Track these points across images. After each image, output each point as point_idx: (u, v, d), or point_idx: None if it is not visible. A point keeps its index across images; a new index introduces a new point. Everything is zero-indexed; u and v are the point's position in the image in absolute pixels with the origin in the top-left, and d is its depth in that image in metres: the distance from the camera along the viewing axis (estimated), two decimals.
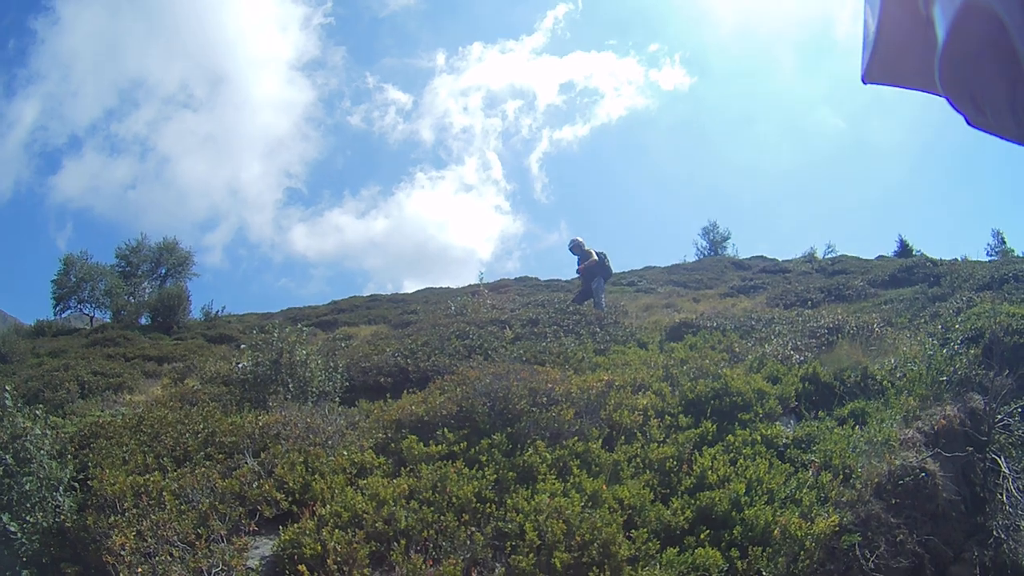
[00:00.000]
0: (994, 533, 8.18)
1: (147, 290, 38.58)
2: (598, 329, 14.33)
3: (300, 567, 5.31)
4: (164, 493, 6.46)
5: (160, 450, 7.75)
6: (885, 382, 10.07)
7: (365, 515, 6.03)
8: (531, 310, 17.30)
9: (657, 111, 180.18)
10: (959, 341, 11.63)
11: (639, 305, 21.91)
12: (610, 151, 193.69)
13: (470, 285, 31.92)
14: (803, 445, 8.29)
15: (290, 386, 10.06)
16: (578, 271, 19.18)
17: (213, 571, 5.45)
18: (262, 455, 7.37)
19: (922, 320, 14.67)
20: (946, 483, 8.05)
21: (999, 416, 9.39)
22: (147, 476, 6.88)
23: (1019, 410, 9.53)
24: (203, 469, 7.04)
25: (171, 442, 7.90)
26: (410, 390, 9.75)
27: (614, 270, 20.91)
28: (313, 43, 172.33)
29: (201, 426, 8.27)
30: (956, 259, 28.61)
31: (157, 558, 5.53)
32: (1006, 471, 8.78)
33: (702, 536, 6.45)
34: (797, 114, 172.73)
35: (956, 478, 8.27)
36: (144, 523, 5.97)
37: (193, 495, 6.52)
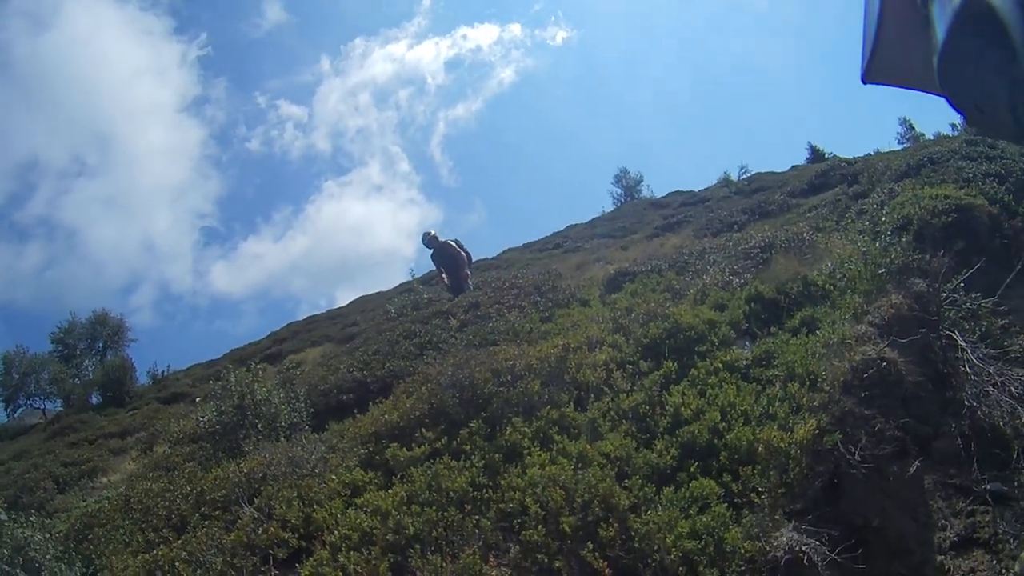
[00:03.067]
0: (965, 403, 8.62)
1: (90, 368, 38.17)
2: (539, 298, 14.51)
3: None
4: (176, 563, 6.51)
5: (156, 523, 7.78)
6: (827, 286, 10.47)
7: (374, 531, 6.16)
8: (470, 294, 17.43)
9: (549, 69, 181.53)
10: (889, 232, 12.09)
11: (570, 265, 22.06)
12: (509, 119, 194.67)
13: (401, 284, 31.96)
14: (764, 363, 8.58)
15: (259, 426, 10.14)
16: (457, 280, 19.22)
17: None
18: (256, 500, 7.45)
19: (849, 220, 15.17)
20: (908, 367, 8.40)
21: (944, 294, 9.88)
22: (154, 552, 6.90)
23: (961, 285, 10.05)
24: (204, 530, 7.08)
25: (164, 512, 7.94)
26: (373, 401, 9.84)
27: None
28: (194, 80, 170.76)
29: (188, 488, 8.30)
30: (869, 154, 29.34)
31: None
32: (962, 344, 9.23)
33: (692, 470, 6.72)
34: (684, 44, 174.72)
35: (917, 360, 8.61)
36: None
37: (204, 558, 6.54)
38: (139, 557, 6.91)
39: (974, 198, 13.34)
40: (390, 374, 11.61)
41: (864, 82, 1.55)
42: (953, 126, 27.84)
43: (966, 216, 12.56)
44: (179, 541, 7.14)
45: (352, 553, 5.89)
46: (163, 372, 31.23)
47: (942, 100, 1.28)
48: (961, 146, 18.89)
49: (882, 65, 1.47)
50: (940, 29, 1.13)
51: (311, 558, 6.07)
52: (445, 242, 19.33)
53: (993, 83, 1.13)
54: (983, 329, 9.61)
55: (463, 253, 19.32)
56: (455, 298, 17.77)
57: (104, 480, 13.94)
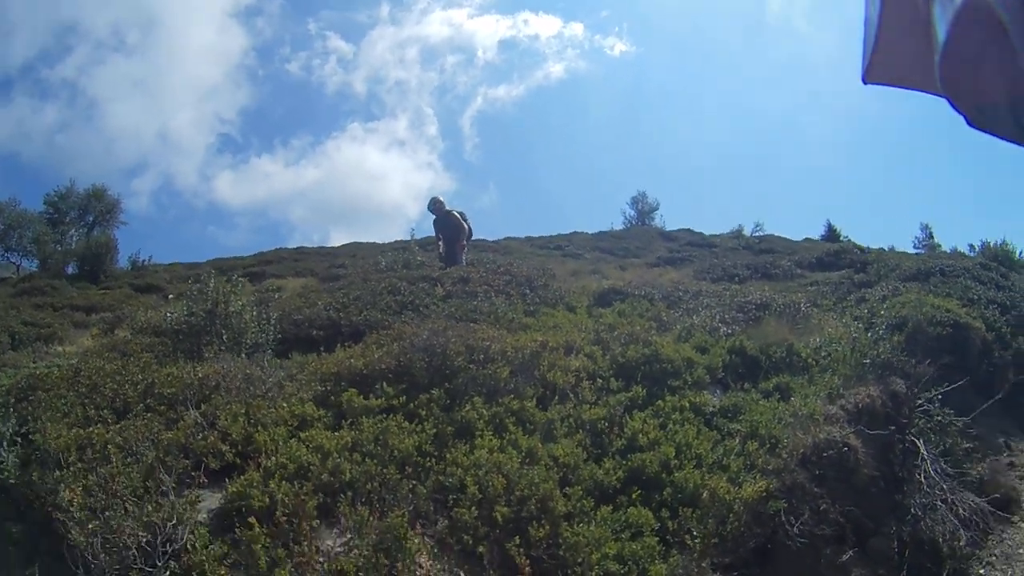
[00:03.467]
0: (912, 511, 8.68)
1: (74, 238, 38.03)
2: (528, 291, 14.53)
3: (250, 519, 5.32)
4: (109, 446, 6.42)
5: (100, 402, 7.66)
6: (810, 360, 10.49)
7: (311, 467, 6.13)
8: (462, 268, 17.37)
9: (599, 77, 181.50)
10: (884, 327, 12.17)
11: (567, 269, 22.11)
12: (545, 113, 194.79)
13: (398, 241, 31.87)
14: (729, 414, 8.64)
15: (224, 337, 10.09)
16: (452, 251, 19.13)
17: (167, 525, 5.39)
18: (203, 407, 7.40)
19: (848, 304, 15.17)
20: (867, 459, 8.50)
21: (919, 401, 9.93)
22: (90, 429, 6.83)
23: (938, 397, 10.08)
24: (145, 421, 7.03)
25: (110, 394, 7.83)
26: (343, 344, 9.82)
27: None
28: None
29: (139, 377, 8.22)
30: (883, 248, 29.50)
31: (108, 513, 5.48)
32: (924, 453, 9.32)
33: (634, 496, 6.76)
34: (737, 90, 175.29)
35: (877, 456, 8.72)
36: (91, 477, 5.93)
37: (138, 448, 6.50)
38: (74, 431, 6.81)
39: (973, 319, 13.44)
40: (365, 323, 11.58)
41: (864, 82, 1.57)
42: (972, 246, 27.86)
43: (962, 334, 12.64)
44: (117, 425, 7.07)
45: (284, 483, 5.86)
46: (144, 261, 31.09)
47: (944, 103, 1.28)
48: (975, 267, 18.99)
49: (882, 65, 1.50)
50: (940, 29, 1.15)
51: (242, 477, 6.04)
52: (450, 211, 19.25)
53: (993, 83, 1.15)
54: (947, 445, 9.72)
55: (465, 225, 19.22)
56: (447, 268, 17.76)
57: (59, 349, 13.81)
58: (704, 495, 6.78)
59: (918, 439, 9.47)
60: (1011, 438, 12.52)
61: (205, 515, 5.86)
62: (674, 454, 7.34)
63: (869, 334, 11.82)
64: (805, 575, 7.12)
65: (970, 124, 1.24)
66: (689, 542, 6.34)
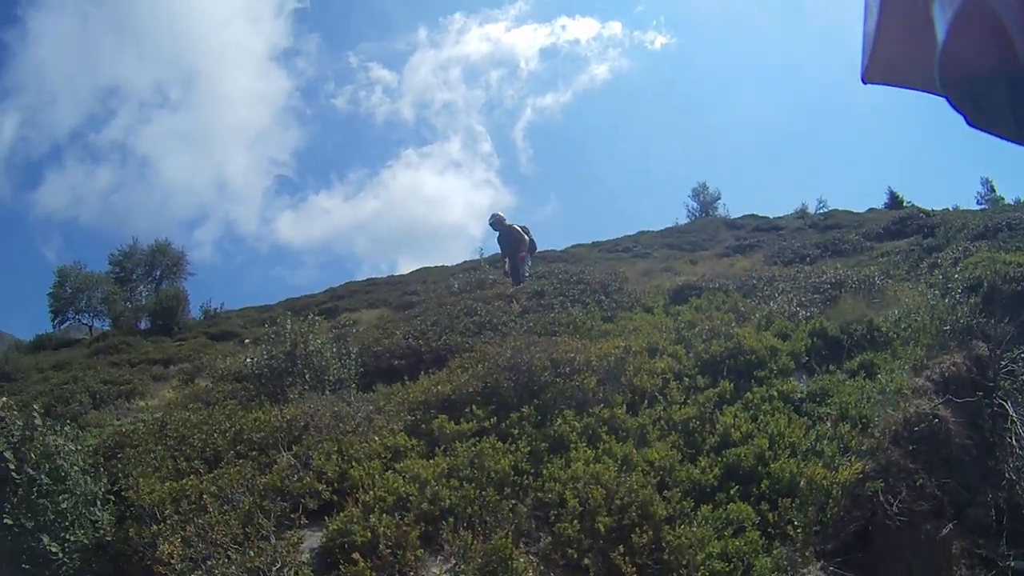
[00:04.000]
0: (1006, 475, 8.68)
1: (144, 294, 39.41)
2: (603, 297, 14.74)
3: (354, 555, 5.55)
4: (204, 496, 6.68)
5: (190, 453, 7.98)
6: (891, 334, 10.55)
7: (410, 497, 6.34)
8: (535, 282, 17.62)
9: (643, 73, 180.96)
10: (959, 291, 12.13)
11: (637, 270, 22.05)
12: (595, 116, 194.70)
13: (466, 262, 32.13)
14: (818, 399, 8.72)
15: (307, 376, 10.32)
16: (515, 264, 19.20)
17: (271, 569, 5.63)
18: (295, 448, 7.64)
19: (921, 271, 15.14)
20: (958, 429, 8.43)
21: (1003, 362, 9.93)
22: (183, 481, 7.12)
23: (1022, 356, 10.13)
24: (237, 468, 7.28)
25: (199, 444, 8.14)
26: (425, 371, 10.01)
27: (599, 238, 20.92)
28: (287, 31, 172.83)
29: (227, 425, 8.51)
30: (947, 209, 29.22)
31: (210, 562, 5.71)
32: (1013, 416, 9.28)
33: (732, 492, 6.87)
34: (782, 68, 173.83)
35: (967, 423, 8.63)
36: (188, 528, 6.15)
37: (233, 495, 6.74)
38: (167, 484, 7.10)
39: None
40: (445, 347, 11.79)
41: (864, 82, 1.57)
42: None
43: None
44: (210, 475, 7.34)
45: (384, 516, 6.02)
46: (216, 309, 32.17)
47: (944, 102, 1.28)
48: None
49: (882, 65, 1.49)
50: (940, 29, 1.15)
51: (342, 514, 6.23)
52: (511, 226, 19.42)
53: (993, 83, 1.16)
54: None
55: (527, 238, 19.33)
56: (515, 284, 18.01)
57: (141, 403, 14.28)
58: (801, 483, 6.89)
59: (1005, 402, 9.44)
60: None
61: (308, 555, 6.06)
62: (768, 445, 7.45)
63: (946, 300, 11.76)
64: (906, 553, 7.16)
65: (969, 123, 1.26)
66: (791, 532, 6.47)
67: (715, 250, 27.43)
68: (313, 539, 6.34)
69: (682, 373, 9.26)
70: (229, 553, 5.87)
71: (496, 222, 19.59)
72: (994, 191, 40.43)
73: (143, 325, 31.27)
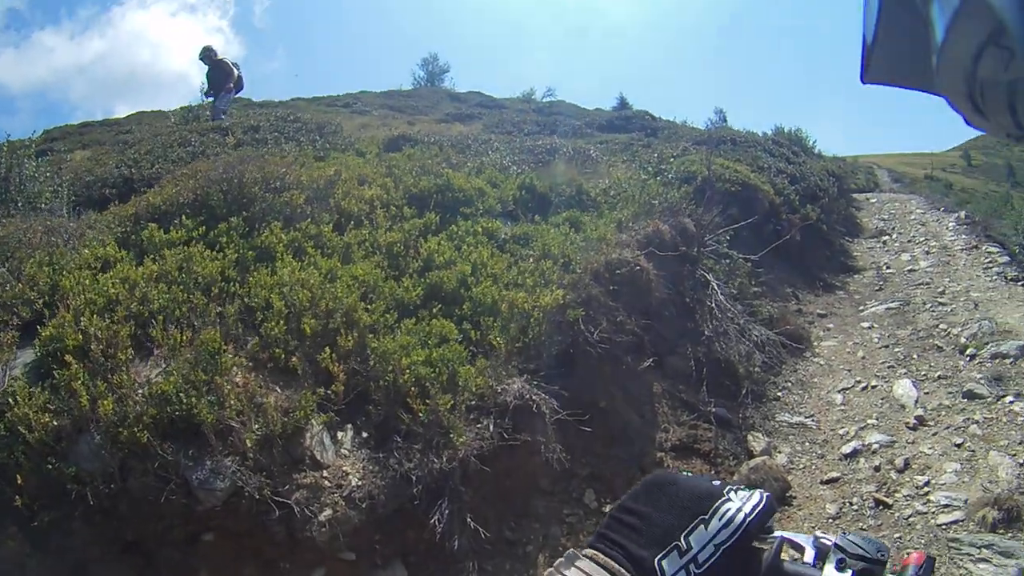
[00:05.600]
0: (704, 334, 9.86)
1: None
2: (318, 137, 15.05)
3: (67, 357, 5.61)
4: None
5: None
6: (599, 199, 11.57)
7: (120, 299, 6.43)
8: (250, 117, 17.73)
9: None
10: (673, 174, 13.43)
11: (355, 124, 22.22)
12: None
13: (186, 107, 31.42)
14: (521, 242, 9.48)
15: (19, 203, 10.08)
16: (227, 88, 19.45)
17: None
18: (7, 264, 7.36)
19: (637, 152, 16.43)
20: (659, 283, 9.60)
21: (707, 240, 11.16)
22: None
23: (727, 238, 11.44)
24: None
25: None
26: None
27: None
28: None
29: None
30: (673, 120, 31.21)
31: None
32: (715, 285, 10.53)
33: (435, 311, 7.48)
34: None
35: (668, 284, 9.87)
36: None
37: None
38: None
39: (763, 183, 14.92)
40: (156, 175, 11.64)
41: (863, 82, 1.56)
42: (765, 133, 29.29)
43: (750, 193, 14.13)
44: None
45: (95, 317, 6.10)
46: None
47: (942, 100, 1.27)
48: (766, 142, 20.84)
49: (881, 65, 1.50)
50: (939, 29, 1.13)
51: (54, 319, 6.23)
52: (223, 59, 19.41)
53: (993, 83, 1.12)
54: (736, 285, 11.00)
55: (236, 73, 19.39)
56: (214, 120, 17.99)
57: None
58: (503, 306, 7.60)
59: (708, 273, 10.67)
60: (799, 290, 14.17)
61: (21, 370, 6.01)
62: (470, 271, 8.13)
63: (659, 178, 12.98)
64: (607, 380, 8.13)
65: (968, 124, 1.24)
66: (496, 343, 7.17)
67: (435, 116, 28.11)
68: (26, 356, 6.19)
69: (390, 203, 9.78)
70: None
71: (206, 55, 19.45)
72: (725, 121, 43.13)
73: None
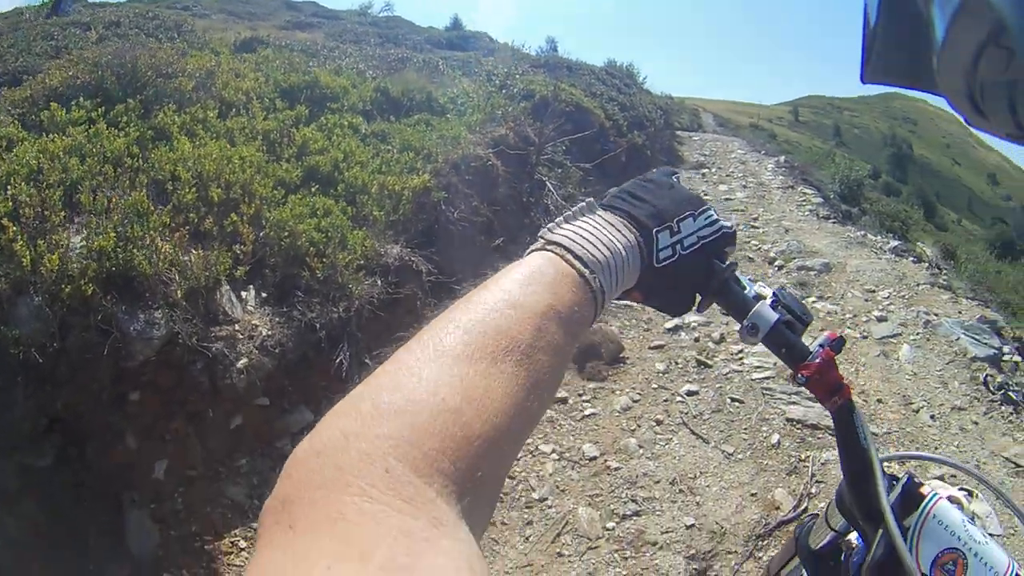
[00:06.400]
0: (540, 227, 11.24)
1: None
2: (176, 35, 15.45)
3: (3, 221, 5.71)
4: None
5: None
6: (448, 105, 12.70)
7: (43, 169, 6.69)
8: (111, 13, 17.68)
9: None
10: (516, 90, 14.72)
11: (200, 26, 22.04)
12: None
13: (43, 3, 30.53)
14: (380, 137, 10.39)
15: None
16: None
17: None
18: None
19: (481, 69, 17.53)
20: (507, 179, 10.92)
21: (545, 151, 12.51)
22: None
23: (562, 149, 12.89)
24: None
25: None
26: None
27: None
28: None
29: None
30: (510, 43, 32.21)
31: None
32: (551, 187, 11.95)
33: (314, 190, 8.36)
34: None
35: (511, 181, 11.17)
36: None
37: None
38: None
39: (595, 108, 16.37)
40: (23, 69, 11.44)
41: (863, 82, 1.38)
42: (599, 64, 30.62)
43: (584, 115, 15.45)
44: None
45: (23, 185, 6.28)
46: None
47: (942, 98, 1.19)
48: (600, 71, 22.47)
49: (881, 65, 1.33)
50: (939, 29, 0.96)
51: None
52: None
53: (993, 83, 0.95)
54: (569, 191, 12.43)
55: None
56: (57, 14, 17.95)
57: None
58: (375, 187, 8.63)
59: (545, 178, 12.09)
60: None
61: None
62: (342, 158, 9.07)
63: (504, 91, 14.28)
64: (466, 253, 9.35)
65: (968, 124, 1.09)
66: (376, 215, 8.24)
67: (274, 23, 28.22)
68: None
69: (263, 95, 10.55)
70: None
71: None
72: (556, 51, 43.95)
73: None
